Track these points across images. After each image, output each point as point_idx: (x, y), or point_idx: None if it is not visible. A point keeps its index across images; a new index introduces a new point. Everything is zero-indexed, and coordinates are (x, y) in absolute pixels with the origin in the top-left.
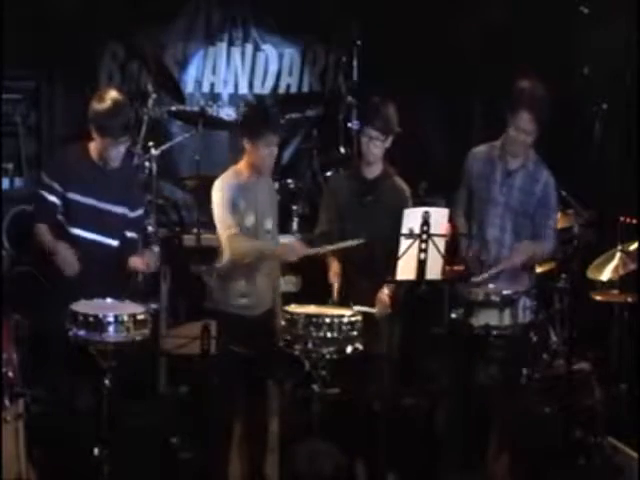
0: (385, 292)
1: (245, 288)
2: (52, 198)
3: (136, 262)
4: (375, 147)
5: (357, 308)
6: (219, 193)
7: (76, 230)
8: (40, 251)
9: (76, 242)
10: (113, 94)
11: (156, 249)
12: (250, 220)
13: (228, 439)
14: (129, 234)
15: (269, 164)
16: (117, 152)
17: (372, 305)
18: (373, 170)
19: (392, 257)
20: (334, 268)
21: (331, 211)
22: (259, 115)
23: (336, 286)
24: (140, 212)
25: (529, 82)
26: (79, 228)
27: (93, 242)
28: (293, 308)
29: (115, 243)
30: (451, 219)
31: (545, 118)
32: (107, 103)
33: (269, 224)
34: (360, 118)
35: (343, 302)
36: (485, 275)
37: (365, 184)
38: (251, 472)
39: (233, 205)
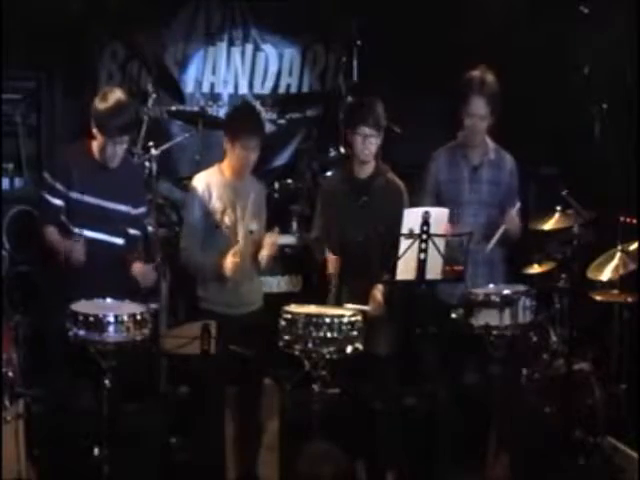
0: (379, 289)
1: (226, 287)
2: (55, 201)
3: (137, 268)
4: (371, 145)
5: (350, 306)
6: (188, 195)
7: (80, 230)
8: (43, 251)
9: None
10: (117, 94)
11: (153, 269)
12: (230, 218)
13: (227, 439)
14: (132, 231)
15: (244, 166)
16: (114, 152)
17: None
18: (366, 169)
19: (390, 256)
20: (332, 263)
21: (325, 216)
22: (239, 117)
23: (333, 282)
24: (143, 209)
25: (476, 70)
26: (83, 227)
27: (98, 241)
28: (293, 308)
29: (120, 241)
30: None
31: (497, 104)
32: (110, 102)
33: (253, 225)
34: (353, 117)
35: (339, 300)
36: (491, 243)
37: (359, 185)
38: (250, 472)
39: (203, 205)
